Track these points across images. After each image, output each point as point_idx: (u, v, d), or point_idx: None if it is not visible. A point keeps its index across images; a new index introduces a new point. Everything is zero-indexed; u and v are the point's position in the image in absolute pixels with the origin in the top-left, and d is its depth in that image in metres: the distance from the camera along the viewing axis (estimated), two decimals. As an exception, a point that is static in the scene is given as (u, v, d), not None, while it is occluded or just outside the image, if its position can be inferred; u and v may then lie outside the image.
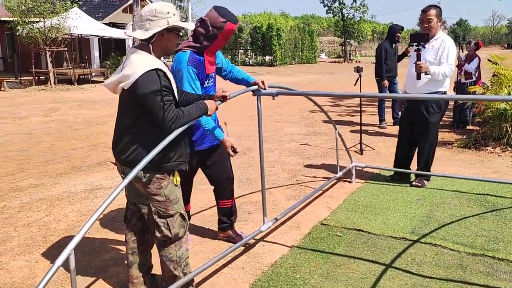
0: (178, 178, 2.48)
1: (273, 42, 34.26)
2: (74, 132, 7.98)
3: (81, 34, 18.31)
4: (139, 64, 2.25)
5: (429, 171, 4.63)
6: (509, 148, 5.87)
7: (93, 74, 19.43)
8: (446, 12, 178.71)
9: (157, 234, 2.44)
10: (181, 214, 2.48)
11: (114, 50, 21.46)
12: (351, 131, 7.68)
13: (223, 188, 3.28)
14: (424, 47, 4.28)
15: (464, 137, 6.68)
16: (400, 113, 5.58)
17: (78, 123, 8.91)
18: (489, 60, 7.40)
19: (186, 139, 2.55)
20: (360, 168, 5.02)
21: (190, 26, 2.59)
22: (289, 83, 18.58)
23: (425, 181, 4.60)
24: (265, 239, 3.42)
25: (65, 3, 17.01)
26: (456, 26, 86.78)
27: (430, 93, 4.35)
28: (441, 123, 7.93)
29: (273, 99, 3.16)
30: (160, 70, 2.26)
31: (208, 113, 2.53)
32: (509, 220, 3.63)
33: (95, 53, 22.44)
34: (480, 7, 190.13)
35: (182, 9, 32.77)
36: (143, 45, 2.37)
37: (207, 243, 3.38)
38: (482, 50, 7.58)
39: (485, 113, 6.19)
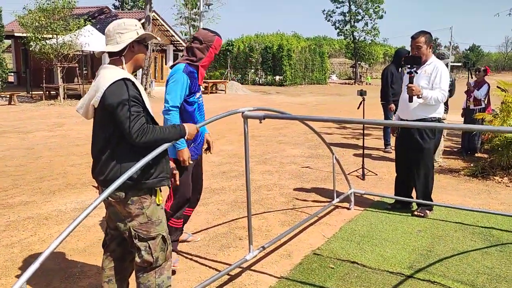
0: (161, 198, 2.39)
1: (283, 62, 34.46)
2: (75, 148, 7.93)
3: (93, 51, 18.53)
4: (107, 76, 2.22)
5: (430, 199, 4.45)
6: (518, 178, 5.65)
7: (103, 90, 19.59)
8: (459, 37, 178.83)
9: (137, 260, 2.32)
10: (163, 237, 2.36)
11: (125, 67, 21.64)
12: (355, 155, 7.51)
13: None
14: (417, 72, 4.25)
15: (472, 165, 6.47)
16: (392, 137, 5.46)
17: (80, 138, 8.87)
18: (498, 87, 7.23)
19: (167, 155, 2.46)
20: (359, 195, 4.84)
21: (156, 37, 2.67)
22: (297, 103, 18.51)
23: (427, 211, 4.41)
24: (253, 268, 3.25)
25: (79, 21, 17.29)
26: (468, 51, 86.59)
27: (423, 118, 4.25)
28: (449, 149, 7.81)
29: (260, 122, 3.06)
30: (128, 79, 2.22)
31: (187, 137, 2.45)
32: (514, 257, 3.41)
33: (107, 70, 22.67)
34: (494, 34, 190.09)
35: (195, 28, 33.20)
36: (115, 60, 2.34)
37: (192, 271, 3.22)
38: (494, 76, 7.42)
39: (493, 141, 5.99)
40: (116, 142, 2.24)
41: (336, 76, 47.49)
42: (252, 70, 36.93)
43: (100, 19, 24.41)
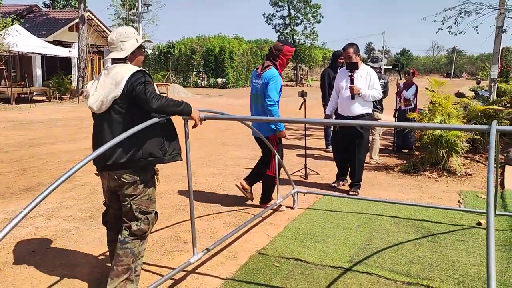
0: (159, 178, 2.88)
1: (225, 64, 34.47)
2: (3, 155, 7.42)
3: (21, 52, 17.47)
4: (125, 70, 2.64)
5: (361, 178, 5.38)
6: (445, 173, 6.06)
7: (34, 93, 18.52)
8: (391, 42, 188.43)
9: (134, 228, 2.72)
10: (156, 213, 2.85)
11: (59, 69, 20.62)
12: (298, 155, 7.68)
13: None
14: (355, 76, 5.14)
15: (405, 162, 6.85)
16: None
17: (9, 145, 8.32)
18: (426, 88, 7.73)
19: (176, 132, 2.87)
20: (303, 194, 4.97)
21: (152, 41, 3.14)
22: (240, 105, 18.60)
23: (358, 189, 5.31)
24: (198, 270, 3.23)
25: (5, 20, 16.23)
26: (399, 55, 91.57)
27: (360, 114, 5.18)
28: (384, 148, 8.21)
29: (201, 123, 3.05)
30: (144, 71, 2.68)
31: (191, 115, 2.84)
32: (443, 247, 3.66)
33: (38, 72, 21.48)
34: (422, 38, 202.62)
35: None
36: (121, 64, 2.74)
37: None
38: (423, 78, 7.91)
39: (423, 139, 6.39)
40: (133, 127, 2.53)
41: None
42: (194, 73, 36.60)
43: (29, 18, 23.10)
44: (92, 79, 24.16)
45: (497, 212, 4.24)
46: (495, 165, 6.72)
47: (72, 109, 16.08)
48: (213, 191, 5.37)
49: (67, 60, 22.45)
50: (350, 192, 5.24)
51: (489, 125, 2.09)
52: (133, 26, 34.36)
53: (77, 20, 19.87)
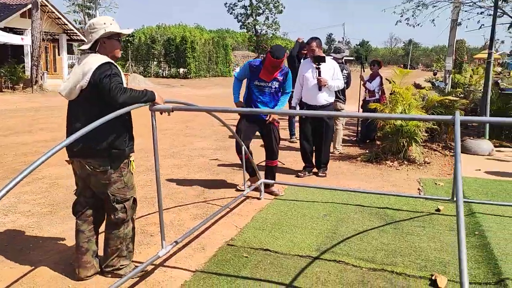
0: (134, 166, 2.93)
1: (187, 54, 33.97)
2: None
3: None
4: (93, 61, 2.68)
5: (328, 161, 5.80)
6: (406, 162, 6.27)
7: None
8: (351, 33, 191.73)
9: (113, 218, 2.85)
10: (134, 199, 2.92)
11: (10, 57, 19.60)
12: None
13: None
14: (321, 68, 5.43)
15: (367, 151, 7.02)
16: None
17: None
18: (387, 79, 7.93)
19: (132, 124, 2.92)
20: (269, 184, 4.98)
21: (127, 31, 2.95)
22: (203, 95, 18.43)
23: (326, 172, 5.72)
24: (166, 264, 3.18)
25: None
26: (359, 46, 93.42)
27: (326, 103, 5.52)
28: (347, 138, 8.37)
29: (169, 114, 3.00)
30: (111, 63, 2.70)
31: (156, 100, 2.87)
32: (405, 233, 3.78)
33: (-13, 60, 20.33)
34: (380, 30, 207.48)
35: (90, 17, 31.20)
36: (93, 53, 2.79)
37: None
38: (382, 69, 8.10)
39: (385, 129, 6.56)
40: (101, 117, 2.49)
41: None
42: (155, 63, 35.85)
43: (-23, 3, 21.75)
44: (47, 68, 23.26)
45: (455, 199, 4.42)
46: (451, 154, 7.01)
47: (26, 99, 15.37)
48: (179, 183, 5.30)
49: (19, 48, 21.36)
50: (320, 174, 5.68)
51: (453, 116, 2.17)
52: (89, 14, 33.19)
53: (29, 6, 18.91)
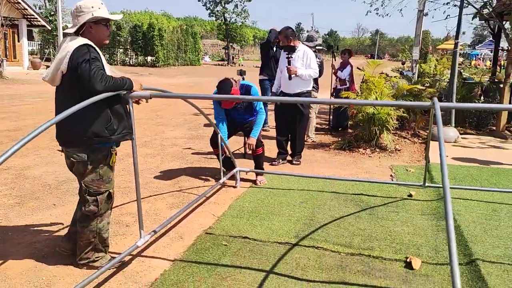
0: (115, 160, 2.81)
1: (155, 42, 33.27)
2: None
3: None
4: (72, 44, 2.57)
5: (302, 150, 5.82)
6: (378, 149, 6.39)
7: None
8: (320, 22, 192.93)
9: (84, 209, 2.76)
10: (109, 193, 2.81)
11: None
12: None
13: None
14: (292, 57, 5.46)
15: (340, 139, 7.11)
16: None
17: None
18: (358, 68, 8.03)
19: (127, 111, 2.81)
20: (245, 173, 4.98)
21: (116, 17, 2.85)
22: (173, 85, 18.13)
23: (300, 159, 5.76)
24: (144, 254, 3.13)
25: None
26: (327, 36, 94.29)
27: (300, 91, 5.51)
28: (320, 126, 8.45)
29: (147, 101, 2.92)
30: (90, 45, 2.57)
31: (134, 89, 2.77)
32: (380, 218, 3.87)
33: None
34: (348, 20, 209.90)
35: (51, 2, 30.01)
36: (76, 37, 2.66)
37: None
38: (350, 59, 8.18)
39: (357, 117, 6.65)
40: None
41: (209, 57, 47.55)
42: (121, 50, 34.91)
43: None
44: (6, 55, 22.22)
45: (426, 184, 4.55)
46: (419, 141, 7.21)
47: (-15, 87, 14.66)
48: (152, 172, 5.21)
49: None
50: (294, 162, 5.72)
51: (432, 102, 2.21)
52: (51, -1, 31.74)
53: (-14, -11, 17.99)
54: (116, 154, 2.83)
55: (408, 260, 3.06)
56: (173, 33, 35.91)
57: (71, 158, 2.70)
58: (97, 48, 2.65)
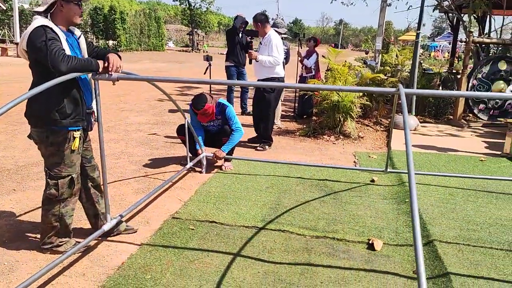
0: (77, 144, 2.71)
1: (116, 26, 32.23)
2: None
3: None
4: (30, 26, 2.51)
5: (269, 136, 5.87)
6: (341, 136, 6.54)
7: None
8: (285, 10, 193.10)
9: (45, 192, 2.72)
10: (71, 178, 2.73)
11: None
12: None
13: None
14: (261, 43, 5.72)
15: (305, 126, 7.21)
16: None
17: None
18: (323, 56, 8.14)
19: (83, 98, 2.72)
20: (211, 158, 4.97)
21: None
22: (136, 70, 17.69)
23: (266, 146, 5.82)
24: (110, 238, 3.09)
25: None
26: (292, 24, 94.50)
27: (267, 77, 5.65)
28: (285, 114, 8.52)
29: (114, 84, 2.85)
30: (47, 26, 2.49)
31: (99, 71, 2.69)
32: (344, 203, 3.98)
33: None
34: (312, 9, 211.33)
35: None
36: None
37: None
38: (316, 48, 8.28)
39: (322, 104, 6.76)
40: (39, 84, 2.35)
41: (173, 43, 46.62)
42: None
43: None
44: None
45: (388, 170, 4.71)
46: (381, 129, 7.42)
47: None
48: (117, 157, 5.11)
49: None
50: (258, 148, 5.80)
51: (398, 88, 2.29)
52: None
53: None
54: (80, 139, 2.74)
55: (370, 242, 3.18)
56: (135, 17, 34.89)
57: (33, 138, 2.69)
58: (57, 30, 2.55)
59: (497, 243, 3.20)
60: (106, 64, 2.72)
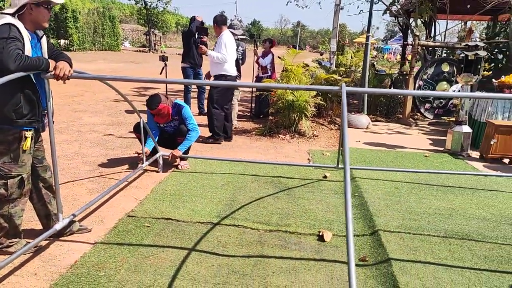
0: (29, 144, 2.69)
1: (68, 24, 31.25)
2: None
3: None
4: None
5: (216, 133, 6.11)
6: (297, 135, 6.72)
7: None
8: (243, 12, 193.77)
9: None
10: (22, 178, 2.71)
11: None
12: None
13: None
14: (204, 39, 6.26)
15: (261, 126, 7.35)
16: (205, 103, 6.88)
17: None
18: (279, 57, 8.32)
19: (39, 99, 2.71)
20: (167, 157, 4.99)
21: (59, 0, 2.72)
22: (90, 70, 17.22)
23: (210, 140, 6.14)
24: (63, 238, 3.07)
25: None
26: (251, 26, 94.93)
27: (216, 74, 6.00)
28: (242, 113, 8.63)
29: (64, 82, 2.84)
30: (13, 25, 2.50)
31: (49, 70, 2.68)
32: (297, 198, 4.13)
33: None
34: (270, 11, 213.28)
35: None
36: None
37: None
38: (273, 49, 8.45)
39: (277, 104, 6.93)
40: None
41: (129, 43, 45.65)
42: (31, 31, 32.34)
43: None
44: None
45: (339, 166, 4.92)
46: (335, 128, 7.68)
47: None
48: (70, 158, 5.03)
49: None
50: (210, 140, 6.16)
51: (340, 87, 2.44)
52: None
53: None
54: (32, 139, 2.72)
55: (320, 234, 3.33)
56: (88, 16, 33.93)
57: None
58: (22, 30, 2.55)
59: (434, 230, 3.46)
60: (53, 72, 2.71)
